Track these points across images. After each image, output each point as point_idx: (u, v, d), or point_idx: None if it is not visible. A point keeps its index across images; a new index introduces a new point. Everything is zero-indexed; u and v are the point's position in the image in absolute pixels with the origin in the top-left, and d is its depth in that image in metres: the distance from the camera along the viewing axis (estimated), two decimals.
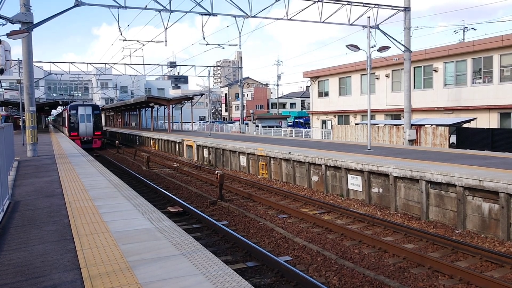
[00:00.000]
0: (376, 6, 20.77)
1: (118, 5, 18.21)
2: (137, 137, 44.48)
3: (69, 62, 36.06)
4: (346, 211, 12.10)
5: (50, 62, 34.97)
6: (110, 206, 8.18)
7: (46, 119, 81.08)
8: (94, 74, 48.56)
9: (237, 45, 30.19)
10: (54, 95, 77.74)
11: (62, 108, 52.89)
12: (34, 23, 16.08)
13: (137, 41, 29.99)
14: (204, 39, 23.44)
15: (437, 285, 7.23)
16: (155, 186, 16.58)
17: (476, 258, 8.37)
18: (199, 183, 18.30)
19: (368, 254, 8.86)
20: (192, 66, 40.84)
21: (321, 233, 10.46)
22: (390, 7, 21.14)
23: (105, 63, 38.10)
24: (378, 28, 20.77)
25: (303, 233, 10.47)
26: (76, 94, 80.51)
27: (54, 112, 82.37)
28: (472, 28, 56.69)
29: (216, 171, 15.28)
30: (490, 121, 24.84)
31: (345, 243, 9.57)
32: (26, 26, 15.85)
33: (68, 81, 73.35)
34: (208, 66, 43.26)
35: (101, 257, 5.24)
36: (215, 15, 19.63)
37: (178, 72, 59.01)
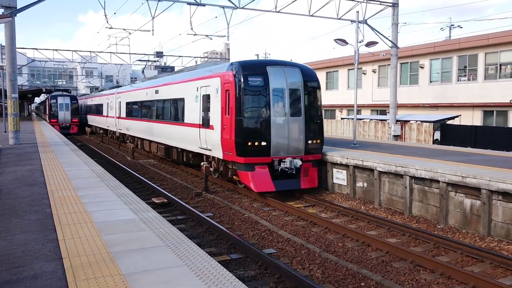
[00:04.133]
0: (365, 1, 20.78)
1: None
2: None
3: (53, 49, 35.41)
4: (331, 205, 12.17)
5: (34, 48, 34.25)
6: (94, 196, 8.10)
7: (29, 106, 79.78)
8: (79, 62, 47.81)
9: (225, 36, 30.02)
10: (38, 82, 76.29)
11: (46, 96, 52.49)
12: (18, 8, 15.73)
13: (124, 29, 29.53)
14: (192, 29, 23.20)
15: (418, 279, 7.32)
16: (140, 177, 16.45)
17: (457, 253, 8.49)
18: (184, 174, 18.21)
19: (351, 247, 8.93)
20: (179, 56, 40.49)
21: (306, 226, 10.50)
22: (379, 2, 21.18)
23: (91, 51, 37.51)
24: (366, 23, 20.81)
25: (288, 226, 10.50)
26: (60, 82, 79.22)
27: (37, 99, 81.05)
28: (458, 26, 57.18)
29: (202, 163, 15.21)
30: (474, 119, 25.19)
31: (329, 237, 9.63)
32: (9, 10, 15.50)
33: (52, 69, 72.10)
34: (195, 57, 42.99)
35: (83, 248, 5.18)
36: (203, 5, 19.43)
37: (165, 62, 58.46)
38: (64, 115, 40.70)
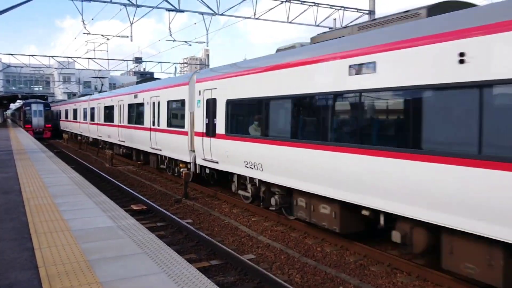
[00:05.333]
0: (342, 8, 21.14)
1: None
2: None
3: (29, 55, 34.90)
4: None
5: (9, 54, 33.68)
6: (71, 204, 8.01)
7: (4, 113, 78.24)
8: (56, 68, 47.25)
9: (204, 42, 30.07)
10: (13, 88, 74.89)
11: (21, 102, 52.67)
12: None
13: (102, 35, 29.32)
14: (171, 35, 23.20)
15: (395, 282, 7.45)
16: (119, 184, 16.29)
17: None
18: (164, 181, 18.12)
19: (330, 252, 9.02)
20: (159, 62, 40.47)
21: (285, 231, 10.56)
22: (356, 10, 21.57)
23: (68, 57, 37.09)
24: None
25: (267, 232, 10.55)
26: (37, 88, 77.93)
27: (12, 106, 79.53)
28: None
29: (182, 169, 15.16)
30: None
31: (308, 241, 9.70)
32: None
33: (28, 75, 70.95)
34: (174, 63, 42.97)
35: (60, 256, 5.12)
36: (182, 11, 19.47)
37: (144, 68, 58.12)
38: (38, 121, 43.68)
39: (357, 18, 22.04)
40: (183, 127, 15.28)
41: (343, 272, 7.90)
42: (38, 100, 46.15)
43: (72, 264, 4.86)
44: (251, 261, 8.12)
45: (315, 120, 9.33)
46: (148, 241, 5.74)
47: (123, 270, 4.69)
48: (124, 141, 22.95)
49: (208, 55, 52.67)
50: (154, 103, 18.07)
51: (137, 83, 23.65)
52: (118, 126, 23.43)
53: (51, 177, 11.22)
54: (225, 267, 8.07)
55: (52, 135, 45.11)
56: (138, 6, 19.01)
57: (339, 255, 8.85)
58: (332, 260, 8.57)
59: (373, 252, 8.61)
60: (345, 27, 9.32)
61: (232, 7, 19.89)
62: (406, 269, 7.85)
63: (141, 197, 13.85)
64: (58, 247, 5.46)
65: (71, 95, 74.10)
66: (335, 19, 18.49)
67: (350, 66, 7.99)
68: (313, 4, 20.62)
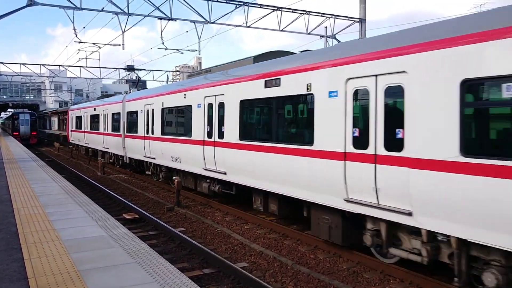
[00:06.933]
0: (333, 16, 21.29)
1: (73, 6, 17.74)
2: None
3: (20, 63, 34.71)
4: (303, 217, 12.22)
5: (0, 62, 33.47)
6: (62, 213, 7.94)
7: None
8: (47, 76, 47.07)
9: (196, 50, 30.09)
10: (4, 97, 74.38)
11: (13, 110, 54.78)
12: None
13: (93, 43, 29.25)
14: (163, 43, 23.21)
15: None
16: (110, 192, 16.18)
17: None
18: (156, 189, 18.02)
19: (323, 259, 9.00)
20: (151, 70, 40.26)
21: (278, 239, 10.54)
22: (347, 18, 21.73)
23: (59, 65, 36.92)
24: (335, 38, 21.29)
25: (260, 239, 10.51)
26: (28, 97, 77.49)
27: (3, 115, 79.03)
28: None
29: (174, 177, 15.11)
30: None
31: (301, 249, 9.68)
32: None
33: (19, 83, 70.53)
34: (167, 71, 42.87)
35: (50, 267, 5.07)
36: (174, 19, 19.48)
37: (136, 76, 57.98)
38: (25, 129, 49.24)
39: (348, 26, 22.21)
40: (119, 131, 21.88)
41: (336, 279, 7.88)
42: (26, 110, 52.03)
43: (63, 275, 4.81)
44: (244, 269, 8.09)
45: (164, 122, 16.33)
46: (140, 250, 5.70)
47: (115, 280, 4.65)
48: (88, 143, 29.29)
49: (200, 63, 52.85)
50: (105, 115, 24.65)
51: (97, 99, 30.53)
52: (84, 132, 30.05)
53: (42, 186, 11.13)
54: (218, 275, 8.02)
55: (38, 141, 50.95)
56: (130, 14, 19.01)
57: (332, 262, 8.84)
58: (325, 267, 8.55)
59: (366, 259, 8.61)
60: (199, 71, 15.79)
61: (224, 15, 19.96)
62: (399, 276, 7.85)
63: (133, 205, 13.76)
64: (48, 258, 5.40)
65: (63, 103, 73.78)
66: (326, 27, 18.66)
67: (184, 95, 14.77)
68: (304, 12, 20.75)
